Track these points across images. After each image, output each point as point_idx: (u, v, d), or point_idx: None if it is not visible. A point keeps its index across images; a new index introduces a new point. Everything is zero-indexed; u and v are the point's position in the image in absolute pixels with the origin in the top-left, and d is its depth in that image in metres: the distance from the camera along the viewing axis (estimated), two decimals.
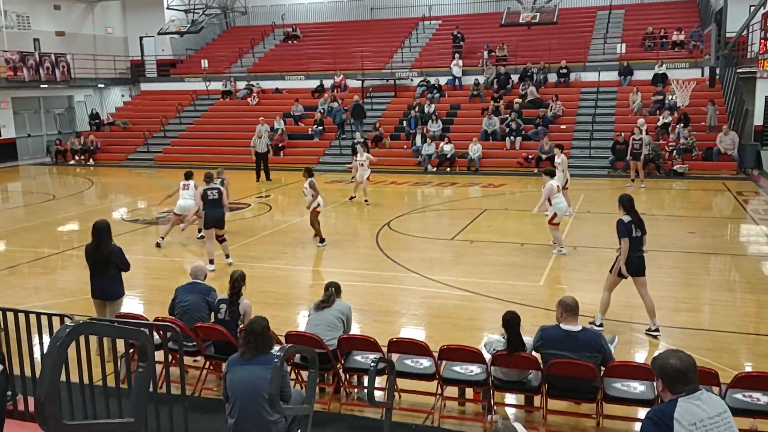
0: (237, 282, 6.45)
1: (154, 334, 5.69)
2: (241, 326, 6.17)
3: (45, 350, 5.99)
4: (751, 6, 20.65)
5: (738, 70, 22.14)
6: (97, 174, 24.10)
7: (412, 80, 27.04)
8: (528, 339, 5.57)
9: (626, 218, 7.47)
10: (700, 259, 11.10)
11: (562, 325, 5.45)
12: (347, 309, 6.36)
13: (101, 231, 7.07)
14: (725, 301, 8.96)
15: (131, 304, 8.71)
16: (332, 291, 6.35)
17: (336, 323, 6.17)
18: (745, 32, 21.79)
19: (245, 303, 6.43)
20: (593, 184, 18.68)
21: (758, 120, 22.03)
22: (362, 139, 20.43)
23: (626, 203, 7.56)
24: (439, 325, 8.27)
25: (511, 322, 5.48)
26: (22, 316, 5.32)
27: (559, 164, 13.89)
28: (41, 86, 27.27)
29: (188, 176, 12.56)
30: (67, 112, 30.38)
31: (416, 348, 5.89)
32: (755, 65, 19.63)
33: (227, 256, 10.98)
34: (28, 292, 9.74)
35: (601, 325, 7.62)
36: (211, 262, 10.60)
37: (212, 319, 6.57)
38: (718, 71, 22.78)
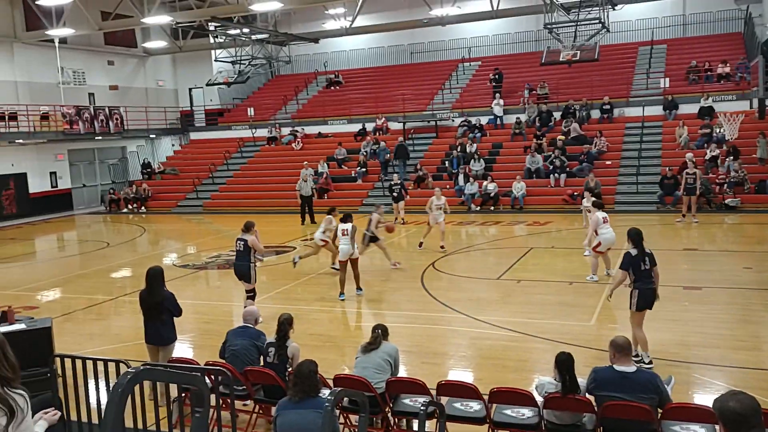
0: (283, 325, 6.50)
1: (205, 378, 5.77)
2: (290, 369, 6.20)
3: (105, 397, 6.11)
4: None
5: None
6: (148, 221, 24.80)
7: (453, 120, 27.25)
8: (581, 381, 5.44)
9: (633, 251, 7.58)
10: (758, 296, 10.70)
11: (616, 366, 5.31)
12: (394, 351, 6.33)
13: (154, 277, 7.26)
14: None
15: (182, 349, 8.85)
16: (379, 333, 6.34)
17: (383, 365, 6.13)
18: None
19: (293, 346, 6.47)
20: (641, 220, 18.30)
21: None
22: (399, 182, 20.34)
23: (635, 237, 7.66)
24: (488, 366, 8.15)
25: (565, 363, 5.37)
26: (79, 362, 5.46)
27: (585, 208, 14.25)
28: (96, 138, 28.42)
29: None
30: (121, 162, 31.55)
31: (466, 391, 5.80)
32: None
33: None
34: (84, 338, 10.00)
35: (650, 363, 7.41)
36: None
37: (261, 363, 6.62)
38: (767, 102, 22.27)
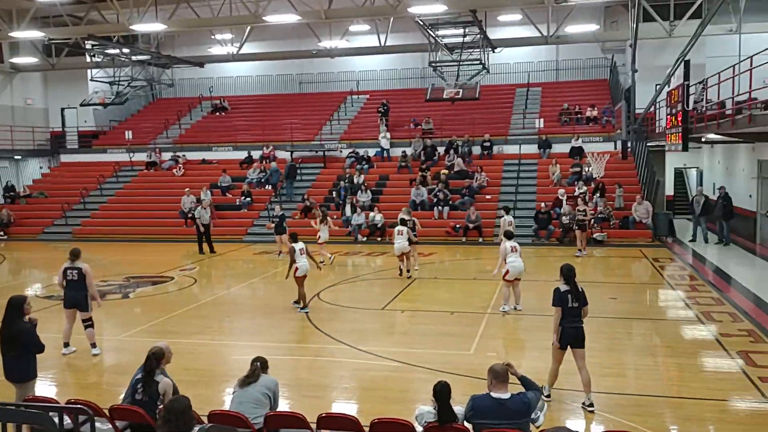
0: (149, 359, 6.09)
1: (66, 417, 5.31)
2: (161, 406, 5.83)
3: None
4: (656, 84, 22.24)
5: (648, 144, 23.60)
6: (10, 249, 22.92)
7: (341, 152, 27.44)
8: (459, 409, 5.49)
9: (563, 287, 7.56)
10: (622, 325, 11.43)
11: (492, 393, 5.41)
12: (274, 384, 6.13)
13: (10, 308, 6.70)
14: (648, 365, 9.19)
15: (45, 387, 8.13)
16: (257, 366, 6.13)
17: (262, 400, 5.92)
18: (652, 108, 23.37)
19: (165, 381, 6.09)
20: None
21: (669, 190, 23.33)
22: (281, 213, 19.88)
23: (565, 272, 7.63)
24: (370, 398, 8.09)
25: (441, 393, 5.40)
26: None
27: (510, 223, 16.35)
28: None
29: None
30: None
31: (347, 423, 5.70)
32: (663, 139, 20.99)
33: (93, 346, 9.84)
34: None
35: (548, 396, 7.61)
36: (66, 345, 9.81)
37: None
38: (629, 144, 24.21)
